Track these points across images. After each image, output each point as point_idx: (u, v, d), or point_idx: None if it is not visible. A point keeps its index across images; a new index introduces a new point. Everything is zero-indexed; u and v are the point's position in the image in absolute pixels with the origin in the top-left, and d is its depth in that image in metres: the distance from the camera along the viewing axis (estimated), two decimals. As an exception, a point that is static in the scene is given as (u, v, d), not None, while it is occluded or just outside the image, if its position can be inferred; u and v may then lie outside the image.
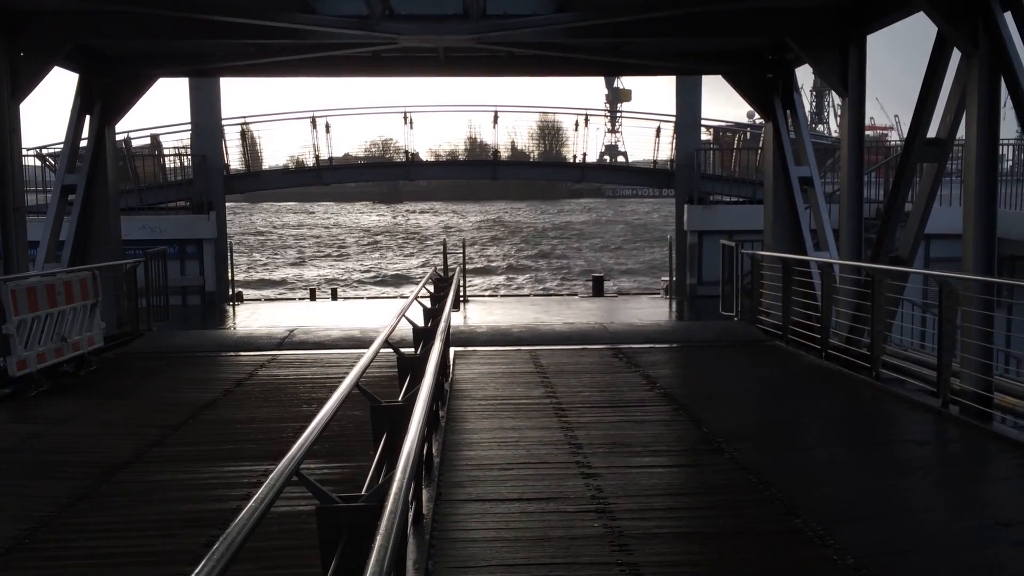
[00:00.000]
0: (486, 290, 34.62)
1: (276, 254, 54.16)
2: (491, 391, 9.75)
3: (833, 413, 9.01)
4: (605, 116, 49.71)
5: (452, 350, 11.69)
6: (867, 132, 22.45)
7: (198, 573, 1.98)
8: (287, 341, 13.22)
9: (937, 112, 10.16)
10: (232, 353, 12.67)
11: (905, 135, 10.18)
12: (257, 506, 2.47)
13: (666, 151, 20.46)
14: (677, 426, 8.16)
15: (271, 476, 2.75)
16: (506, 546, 5.15)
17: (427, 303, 9.61)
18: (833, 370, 10.77)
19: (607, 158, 44.49)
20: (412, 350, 7.41)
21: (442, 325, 6.72)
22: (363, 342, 12.67)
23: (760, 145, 20.02)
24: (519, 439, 7.61)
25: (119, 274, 13.45)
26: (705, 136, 21.11)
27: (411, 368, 5.28)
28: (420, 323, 8.58)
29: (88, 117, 13.09)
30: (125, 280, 13.59)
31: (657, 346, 12.93)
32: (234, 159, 20.01)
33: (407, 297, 11.17)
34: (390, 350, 6.44)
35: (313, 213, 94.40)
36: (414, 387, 4.35)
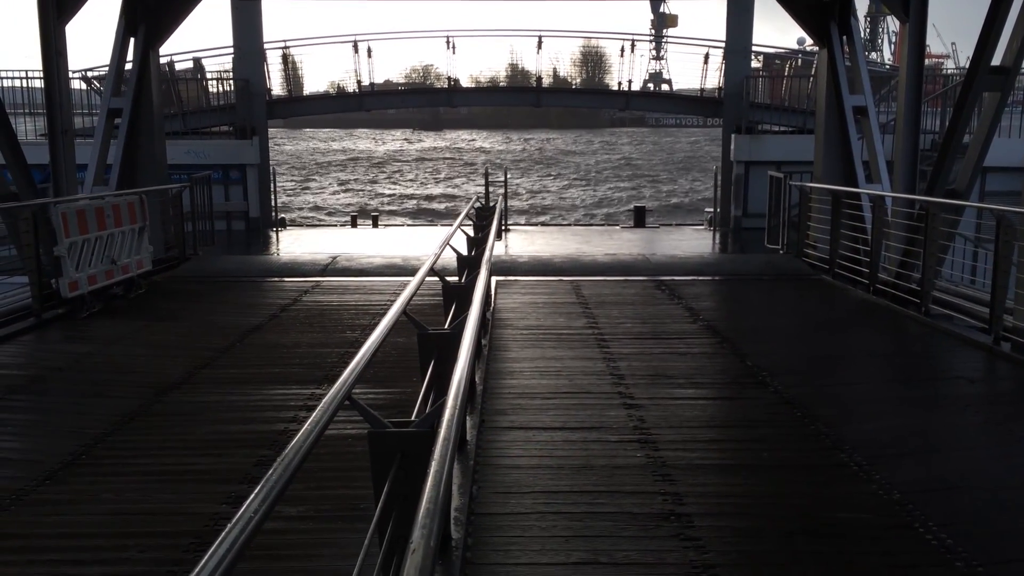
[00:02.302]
0: (527, 219, 34.48)
1: (318, 181, 54.30)
2: (533, 321, 9.75)
3: (880, 348, 8.89)
4: (650, 42, 48.47)
5: (493, 279, 11.70)
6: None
7: (257, 493, 2.00)
8: (330, 268, 13.31)
9: (1002, 40, 9.72)
10: (276, 279, 12.82)
11: (962, 64, 9.77)
12: (312, 429, 2.49)
13: (714, 79, 19.93)
14: (720, 359, 8.11)
15: (324, 400, 2.75)
16: (549, 473, 5.20)
17: (470, 232, 9.57)
18: (881, 305, 10.59)
19: (651, 86, 43.45)
20: (456, 279, 7.42)
21: (487, 254, 6.69)
22: (405, 270, 12.73)
23: (812, 73, 19.42)
24: (561, 369, 7.62)
25: (165, 198, 13.58)
26: (754, 64, 20.50)
27: (456, 296, 5.27)
28: (464, 252, 8.57)
29: (132, 40, 13.04)
30: (171, 204, 13.72)
31: (700, 278, 12.80)
32: (276, 84, 19.92)
33: (447, 226, 11.17)
34: (434, 278, 6.44)
35: (355, 139, 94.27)
36: (460, 315, 4.35)
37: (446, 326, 4.50)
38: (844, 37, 13.02)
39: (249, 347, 8.58)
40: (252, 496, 2.02)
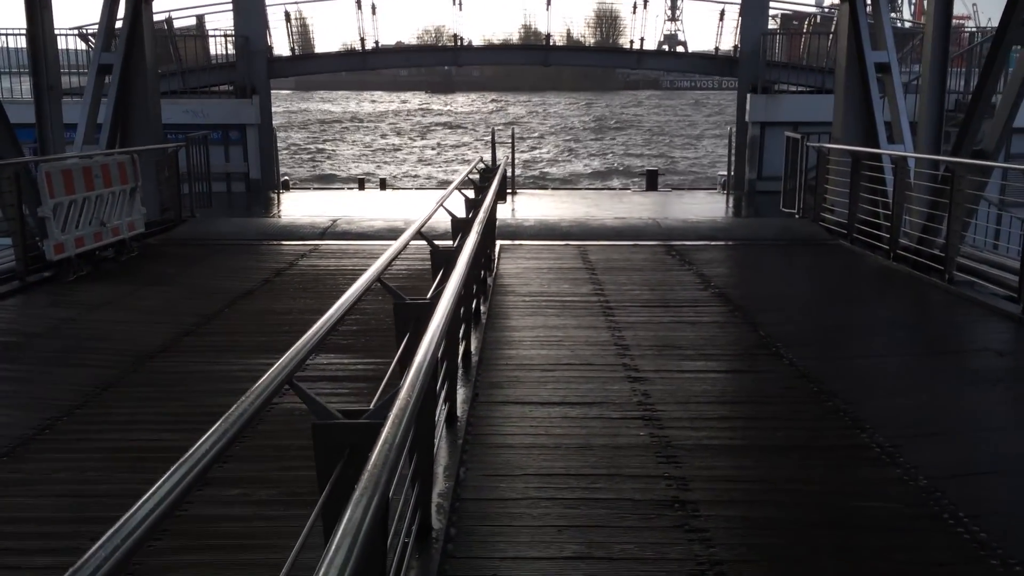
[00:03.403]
0: (535, 181, 33.88)
1: (326, 142, 53.67)
2: (536, 287, 9.33)
3: (902, 318, 8.43)
4: (666, 2, 47.37)
5: (498, 243, 11.28)
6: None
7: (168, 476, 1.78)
8: (329, 231, 12.90)
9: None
10: (274, 242, 12.42)
11: (983, 24, 9.16)
12: (243, 413, 2.14)
13: (729, 39, 19.28)
14: (732, 328, 7.67)
15: (259, 382, 2.45)
16: (544, 453, 4.80)
17: (471, 194, 9.12)
18: (902, 272, 10.10)
19: (666, 47, 42.51)
20: (451, 243, 6.99)
21: (481, 215, 6.24)
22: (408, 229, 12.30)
23: (832, 30, 18.70)
24: (563, 338, 7.21)
25: (160, 159, 13.15)
26: (771, 25, 19.75)
27: (445, 262, 4.85)
28: (461, 214, 8.13)
29: (125, -7, 12.53)
30: (167, 165, 13.30)
31: (712, 243, 12.32)
32: (282, 45, 19.33)
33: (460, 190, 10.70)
34: (423, 243, 6.01)
35: (361, 101, 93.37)
36: (442, 286, 3.93)
37: (428, 295, 4.09)
38: (867, -11, 12.38)
39: (238, 313, 8.21)
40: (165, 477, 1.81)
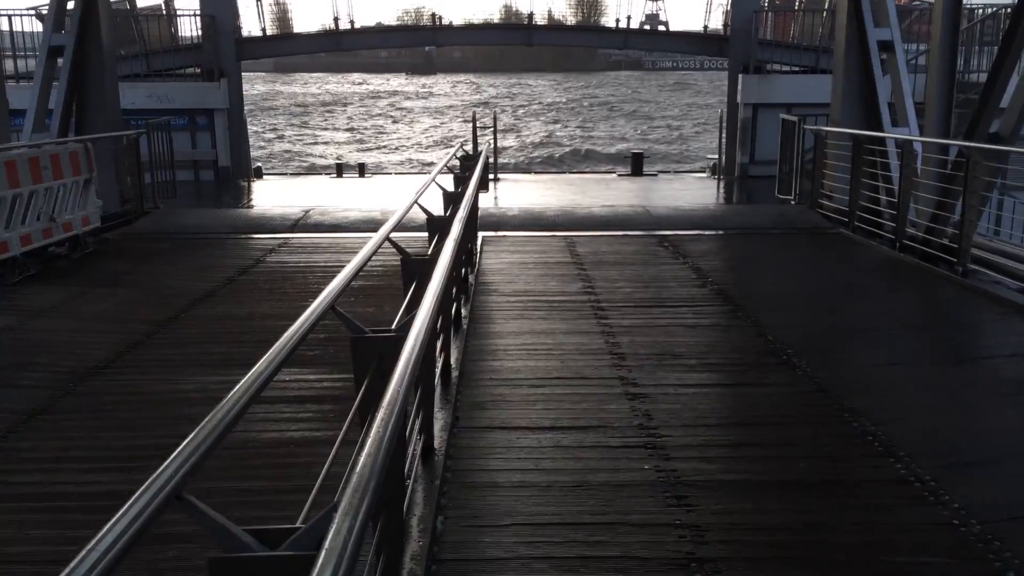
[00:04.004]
0: (517, 165, 33.09)
1: (301, 126, 52.51)
2: (521, 285, 8.65)
3: (917, 317, 7.82)
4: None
5: (480, 235, 10.60)
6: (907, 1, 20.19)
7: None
8: (301, 223, 12.14)
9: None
10: (241, 235, 11.65)
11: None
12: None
13: (718, 17, 18.64)
14: (736, 332, 7.03)
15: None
16: (535, 495, 4.14)
17: (450, 184, 8.41)
18: (909, 263, 9.49)
19: (647, 27, 41.70)
20: (426, 247, 6.29)
21: (461, 212, 5.54)
22: (383, 225, 11.57)
23: (826, 7, 18.05)
24: (552, 347, 6.54)
25: (119, 147, 12.34)
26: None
27: (420, 275, 4.17)
28: (438, 211, 7.44)
29: (77, -32, 11.67)
30: (127, 153, 12.48)
31: (706, 233, 11.68)
32: (256, 26, 18.45)
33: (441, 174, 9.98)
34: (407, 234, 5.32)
35: (340, 83, 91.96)
36: (414, 309, 3.25)
37: (394, 324, 3.40)
38: (868, -38, 11.69)
39: (194, 320, 7.47)
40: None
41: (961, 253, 8.63)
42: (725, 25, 17.70)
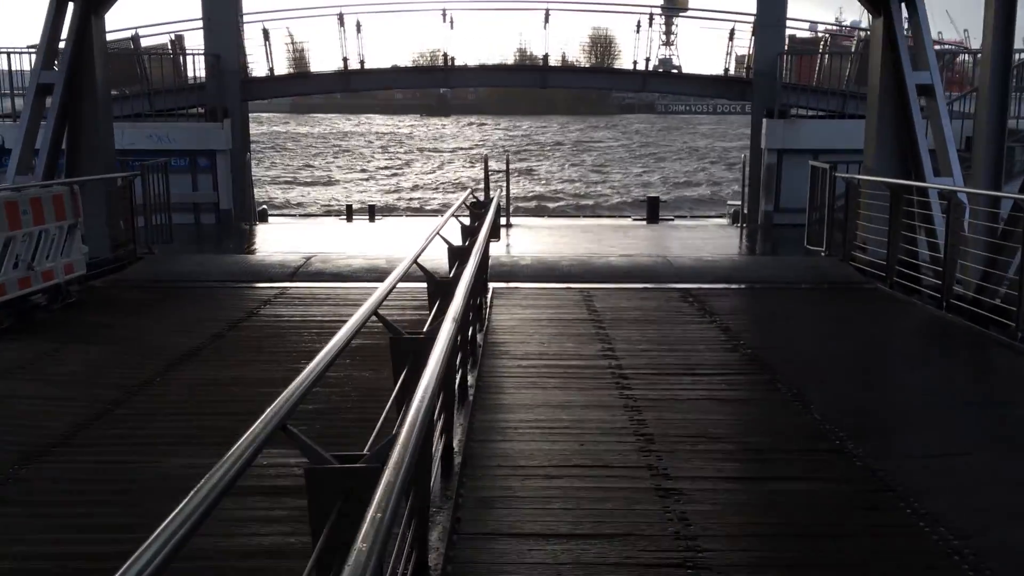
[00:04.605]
0: (530, 209, 32.45)
1: (310, 168, 52.23)
2: (534, 345, 7.88)
3: (978, 391, 6.98)
4: (660, 26, 46.25)
5: (490, 286, 9.87)
6: (935, 46, 19.47)
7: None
8: (301, 271, 11.44)
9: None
10: (237, 283, 10.97)
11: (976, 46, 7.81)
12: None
13: (733, 61, 18.03)
14: (777, 409, 6.21)
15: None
16: (551, 636, 3.33)
17: (456, 238, 7.69)
18: (958, 326, 8.67)
19: (660, 70, 41.13)
20: (429, 301, 5.55)
21: (466, 276, 4.78)
22: (388, 274, 10.85)
23: (852, 50, 17.45)
24: (570, 424, 5.74)
25: (112, 189, 11.71)
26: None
27: (412, 355, 3.42)
28: (444, 262, 6.73)
29: (71, 4, 11.14)
30: (120, 196, 11.86)
31: (732, 287, 10.93)
32: (268, 65, 17.84)
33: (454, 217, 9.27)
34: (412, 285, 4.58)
35: (347, 123, 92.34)
36: (404, 406, 2.51)
37: (367, 447, 2.64)
38: (904, 3, 11.04)
39: (171, 385, 6.71)
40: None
41: (1020, 316, 7.82)
42: (747, 68, 17.07)
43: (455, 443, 5.11)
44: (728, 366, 7.28)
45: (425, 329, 3.94)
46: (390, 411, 3.52)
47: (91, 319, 9.06)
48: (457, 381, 5.63)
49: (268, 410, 2.48)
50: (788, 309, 9.88)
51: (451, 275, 5.66)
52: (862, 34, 17.00)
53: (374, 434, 3.02)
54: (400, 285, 4.91)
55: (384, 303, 4.25)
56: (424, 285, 5.74)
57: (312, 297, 10.12)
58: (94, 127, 11.48)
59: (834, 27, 23.58)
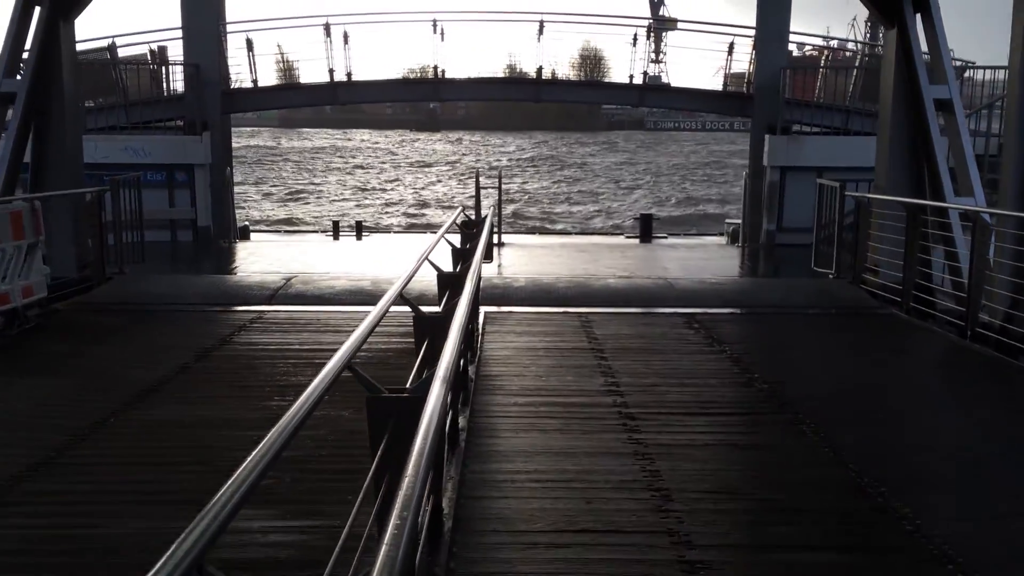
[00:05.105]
0: (523, 224, 31.81)
1: (295, 183, 51.50)
2: (531, 379, 7.21)
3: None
4: (650, 44, 45.74)
5: (482, 310, 9.22)
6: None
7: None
8: (280, 294, 10.74)
9: None
10: (210, 307, 10.26)
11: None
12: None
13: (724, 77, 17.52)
14: (808, 456, 5.54)
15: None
16: None
17: (447, 262, 7.02)
18: (986, 356, 8.07)
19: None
20: (416, 341, 4.87)
21: (458, 318, 4.10)
22: (373, 297, 10.12)
23: (856, 64, 16.95)
24: (574, 477, 5.07)
25: (79, 205, 11.00)
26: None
27: (394, 420, 2.76)
28: (430, 288, 6.06)
29: (37, 8, 10.46)
30: (89, 213, 11.14)
31: (740, 312, 10.31)
32: (246, 74, 17.20)
33: (448, 233, 8.61)
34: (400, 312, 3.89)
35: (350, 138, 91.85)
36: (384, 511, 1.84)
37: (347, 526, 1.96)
38: (919, 14, 10.49)
39: (123, 429, 5.97)
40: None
41: (1056, 348, 7.21)
42: (747, 82, 16.51)
43: (445, 502, 4.43)
44: (745, 404, 6.63)
45: (409, 385, 3.26)
46: (368, 488, 2.85)
47: (48, 347, 8.33)
48: (447, 426, 4.97)
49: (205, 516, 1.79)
50: (801, 336, 9.24)
51: (441, 308, 4.99)
52: (866, 49, 16.49)
53: (340, 541, 2.33)
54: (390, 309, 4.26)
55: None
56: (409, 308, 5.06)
57: (291, 323, 9.43)
58: (61, 139, 10.78)
59: (829, 41, 23.07)
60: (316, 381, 2.91)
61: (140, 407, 6.43)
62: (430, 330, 4.24)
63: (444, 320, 3.99)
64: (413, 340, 4.75)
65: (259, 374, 7.45)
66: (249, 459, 2.31)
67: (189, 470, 5.17)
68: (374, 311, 3.82)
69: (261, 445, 2.39)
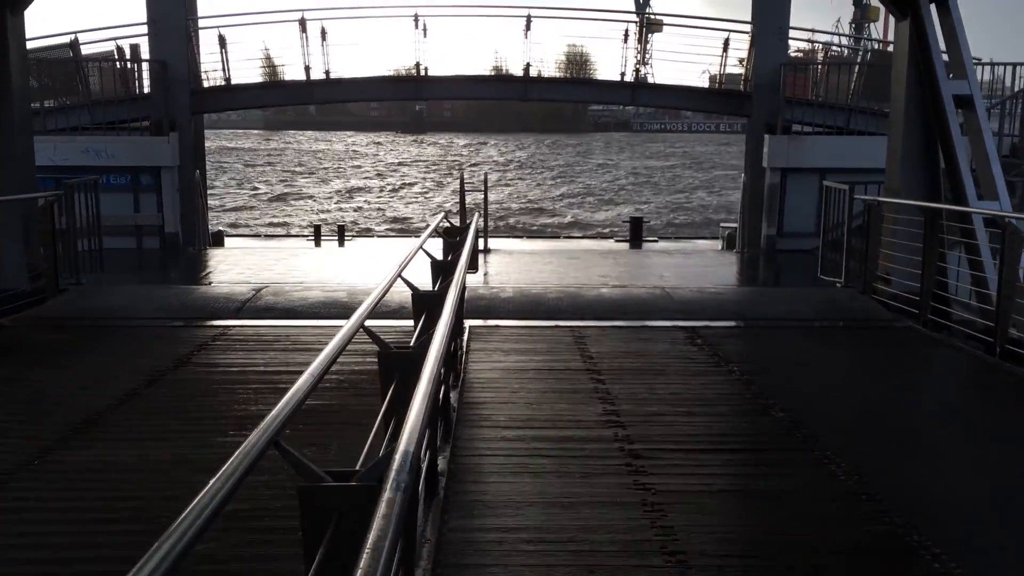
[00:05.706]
0: (509, 228, 31.04)
1: (277, 185, 50.52)
2: (521, 407, 6.43)
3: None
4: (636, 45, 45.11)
5: (467, 324, 8.46)
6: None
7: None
8: (249, 306, 9.92)
9: None
10: (171, 321, 9.42)
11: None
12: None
13: (716, 76, 16.87)
14: (843, 506, 4.77)
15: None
16: None
17: (424, 279, 6.24)
18: (1018, 375, 7.35)
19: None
20: (382, 383, 4.07)
21: (436, 345, 3.32)
22: (349, 309, 9.33)
23: (858, 61, 16.26)
24: (575, 533, 4.29)
25: (30, 211, 10.15)
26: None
27: (336, 523, 1.99)
28: (405, 301, 5.28)
29: (-18, -1, 9.61)
30: (41, 219, 10.28)
31: (744, 324, 9.58)
32: (240, 75, 16.26)
33: (431, 237, 7.85)
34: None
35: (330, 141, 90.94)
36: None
37: None
38: (934, 4, 9.78)
39: (53, 470, 5.17)
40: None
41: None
42: (744, 80, 15.79)
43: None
44: (763, 439, 5.87)
45: (360, 464, 2.47)
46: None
47: (-16, 370, 7.49)
48: (424, 467, 4.20)
49: None
50: (815, 353, 8.49)
51: (414, 339, 4.21)
52: (869, 45, 15.79)
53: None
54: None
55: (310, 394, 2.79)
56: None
57: (257, 339, 8.61)
58: (9, 140, 9.95)
59: (828, 37, 22.42)
60: (235, 461, 2.12)
61: (76, 443, 5.62)
62: (398, 371, 3.46)
63: (416, 360, 3.21)
64: (378, 379, 3.95)
65: (216, 403, 6.65)
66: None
67: (118, 529, 4.37)
68: (324, 352, 3.03)
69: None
